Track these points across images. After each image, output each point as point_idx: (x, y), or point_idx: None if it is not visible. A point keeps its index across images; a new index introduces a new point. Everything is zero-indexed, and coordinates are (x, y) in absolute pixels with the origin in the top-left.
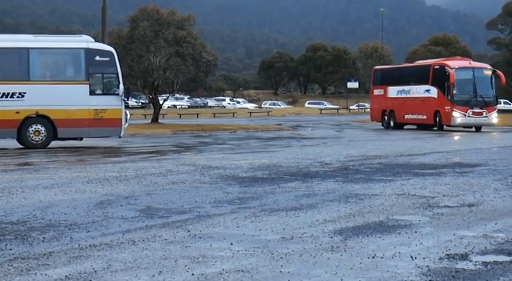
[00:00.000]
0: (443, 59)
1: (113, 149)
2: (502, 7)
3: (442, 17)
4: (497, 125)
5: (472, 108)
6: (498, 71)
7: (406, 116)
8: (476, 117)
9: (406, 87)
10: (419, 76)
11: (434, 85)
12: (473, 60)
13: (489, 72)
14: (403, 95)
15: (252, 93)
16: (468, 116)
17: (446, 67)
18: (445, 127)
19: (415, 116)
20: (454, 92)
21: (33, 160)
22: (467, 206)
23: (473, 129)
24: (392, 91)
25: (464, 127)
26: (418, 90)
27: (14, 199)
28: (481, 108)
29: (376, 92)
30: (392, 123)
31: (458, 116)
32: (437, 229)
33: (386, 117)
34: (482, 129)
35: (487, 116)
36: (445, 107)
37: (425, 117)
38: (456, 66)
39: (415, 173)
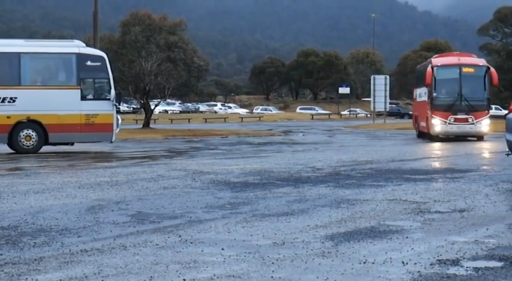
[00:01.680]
0: (438, 55)
1: (104, 154)
2: (493, 13)
3: (434, 23)
4: (487, 131)
5: (455, 114)
6: (492, 68)
7: (420, 123)
8: (460, 124)
9: (418, 90)
10: (419, 77)
11: (427, 87)
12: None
13: (481, 70)
14: (420, 99)
15: (244, 99)
16: (449, 124)
17: (429, 65)
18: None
19: (422, 123)
20: (434, 94)
21: (24, 165)
22: (459, 211)
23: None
24: (417, 94)
25: (446, 137)
26: (420, 93)
27: (5, 204)
28: (466, 114)
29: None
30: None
31: (437, 124)
32: (428, 235)
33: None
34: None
35: (473, 124)
36: (428, 113)
37: (423, 124)
38: (438, 64)
39: (406, 178)
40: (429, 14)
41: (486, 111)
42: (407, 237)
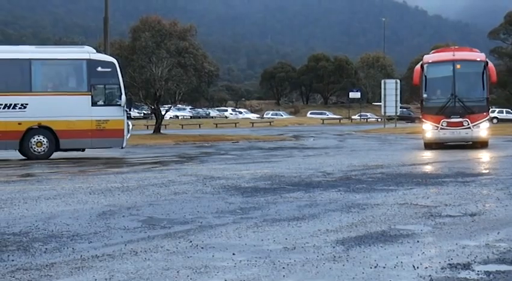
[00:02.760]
0: (434, 50)
1: (115, 160)
2: (504, 16)
3: (444, 27)
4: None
5: (448, 118)
6: (490, 63)
7: None
8: (454, 129)
9: None
10: None
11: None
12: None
13: (479, 66)
14: None
15: (254, 104)
16: (441, 129)
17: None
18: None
19: None
20: (424, 95)
21: (36, 171)
22: (470, 215)
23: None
24: None
25: (438, 144)
26: None
27: (17, 210)
28: (460, 117)
29: None
30: None
31: (427, 130)
32: (439, 239)
33: None
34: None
35: (469, 128)
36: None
37: None
38: (429, 61)
39: (417, 182)
40: (439, 18)
41: (484, 114)
42: (418, 241)
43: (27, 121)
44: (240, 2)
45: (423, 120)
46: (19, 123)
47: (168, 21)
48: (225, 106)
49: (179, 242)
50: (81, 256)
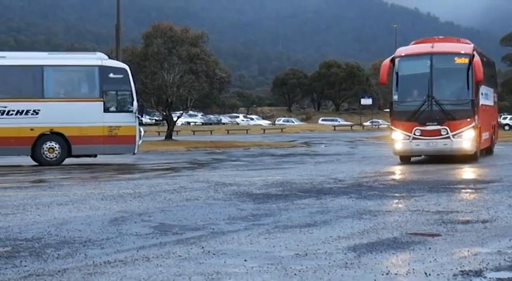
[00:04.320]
0: (414, 41)
1: (127, 166)
2: None
3: (456, 34)
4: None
5: (423, 125)
6: (477, 56)
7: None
8: (429, 140)
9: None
10: None
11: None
12: None
13: (462, 60)
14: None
15: (266, 110)
16: (414, 139)
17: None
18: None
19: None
20: (394, 97)
21: (48, 177)
22: (482, 222)
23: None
24: None
25: (407, 157)
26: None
27: (29, 216)
28: (438, 124)
29: None
30: None
31: (397, 140)
32: (451, 246)
33: None
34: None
35: (449, 137)
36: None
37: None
38: (402, 54)
39: (429, 189)
40: (451, 24)
41: (468, 120)
42: (430, 248)
43: (39, 127)
44: (251, 8)
45: (392, 127)
46: (31, 129)
47: (180, 28)
48: (237, 113)
49: (191, 249)
50: (93, 261)
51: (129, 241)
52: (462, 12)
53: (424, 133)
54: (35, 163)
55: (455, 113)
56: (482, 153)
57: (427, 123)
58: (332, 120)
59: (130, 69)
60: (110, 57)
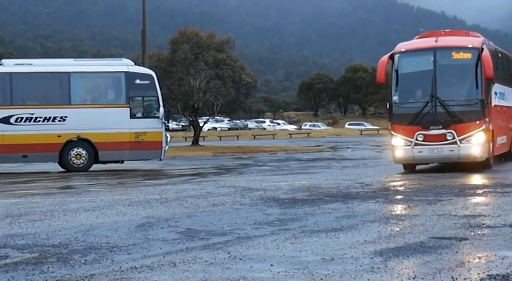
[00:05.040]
0: (418, 36)
1: (153, 172)
2: None
3: (483, 36)
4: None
5: (426, 129)
6: (486, 51)
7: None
8: (433, 146)
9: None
10: None
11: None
12: None
13: (470, 55)
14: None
15: (292, 115)
16: (416, 145)
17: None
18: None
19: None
20: (394, 98)
21: (75, 183)
22: (509, 226)
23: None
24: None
25: (411, 166)
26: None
27: (56, 222)
28: (444, 128)
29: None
30: None
31: (397, 146)
32: (478, 250)
33: None
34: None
35: (456, 142)
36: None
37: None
38: (402, 49)
39: (456, 193)
40: (478, 27)
41: (478, 123)
42: (456, 252)
43: (66, 134)
44: (276, 13)
45: (392, 132)
46: (58, 136)
47: (206, 34)
48: (263, 118)
49: (217, 254)
50: (120, 267)
51: (156, 246)
52: (489, 15)
53: (427, 138)
54: (62, 170)
55: (463, 115)
56: (501, 159)
57: (431, 127)
58: (358, 124)
59: (157, 75)
60: (136, 64)
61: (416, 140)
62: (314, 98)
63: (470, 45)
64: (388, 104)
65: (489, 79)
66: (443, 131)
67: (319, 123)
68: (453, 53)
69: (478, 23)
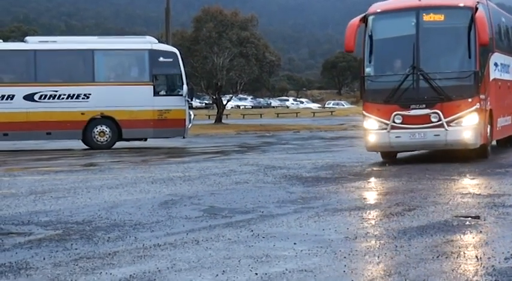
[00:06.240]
0: None
1: (177, 150)
2: None
3: None
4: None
5: (406, 108)
6: (482, 11)
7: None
8: (414, 129)
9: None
10: None
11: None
12: None
13: (460, 17)
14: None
15: (316, 93)
16: (393, 128)
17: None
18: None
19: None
20: (366, 70)
21: (98, 161)
22: None
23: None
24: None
25: (389, 154)
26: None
27: (80, 199)
28: (428, 107)
29: None
30: None
31: (371, 129)
32: (503, 229)
33: None
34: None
35: (442, 125)
36: None
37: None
38: (378, 10)
39: (479, 172)
40: None
41: (470, 100)
42: (480, 231)
43: (90, 111)
44: None
45: (364, 113)
46: (82, 113)
47: (230, 11)
48: (286, 96)
49: (240, 232)
50: (143, 244)
51: (179, 224)
52: None
53: (407, 120)
54: (86, 147)
55: (451, 91)
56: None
57: (412, 107)
58: None
59: (180, 53)
60: (159, 41)
61: (394, 122)
62: (338, 76)
63: (461, 4)
64: (360, 77)
65: (484, 46)
66: (427, 111)
67: (342, 102)
68: (440, 14)
69: None
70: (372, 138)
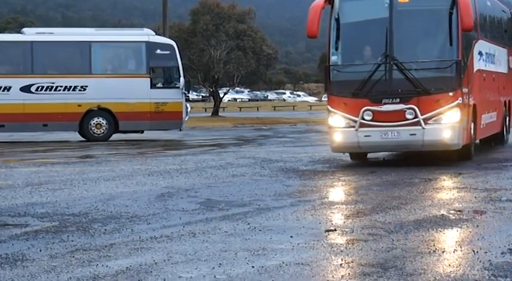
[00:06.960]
0: None
1: (173, 142)
2: None
3: None
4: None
5: (377, 103)
6: None
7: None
8: (387, 127)
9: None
10: None
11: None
12: None
13: None
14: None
15: (313, 87)
16: (362, 126)
17: None
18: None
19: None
20: (332, 59)
21: (95, 153)
22: None
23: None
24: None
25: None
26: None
27: (76, 191)
28: (402, 101)
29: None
30: None
31: (337, 127)
32: (499, 223)
33: None
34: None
35: (418, 123)
36: None
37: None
38: None
39: (476, 166)
40: None
41: (451, 94)
42: (477, 226)
43: (86, 103)
44: None
45: (329, 108)
46: (79, 105)
47: (227, 4)
48: (283, 89)
49: (237, 224)
50: (140, 237)
51: (176, 216)
52: None
53: (378, 116)
54: (83, 139)
55: (429, 84)
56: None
57: (384, 101)
58: None
59: (177, 46)
60: (157, 34)
61: (363, 119)
62: None
63: None
64: (324, 67)
65: (468, 31)
66: (401, 106)
67: None
68: None
69: None
70: (338, 137)
